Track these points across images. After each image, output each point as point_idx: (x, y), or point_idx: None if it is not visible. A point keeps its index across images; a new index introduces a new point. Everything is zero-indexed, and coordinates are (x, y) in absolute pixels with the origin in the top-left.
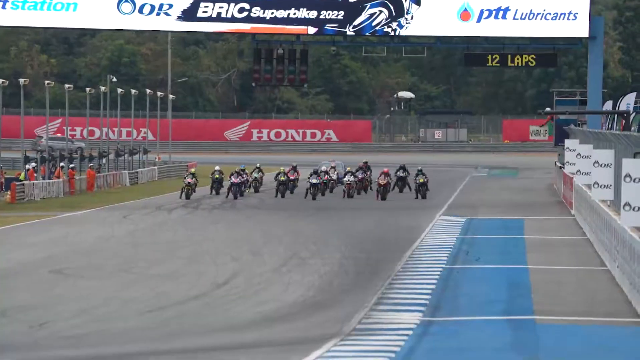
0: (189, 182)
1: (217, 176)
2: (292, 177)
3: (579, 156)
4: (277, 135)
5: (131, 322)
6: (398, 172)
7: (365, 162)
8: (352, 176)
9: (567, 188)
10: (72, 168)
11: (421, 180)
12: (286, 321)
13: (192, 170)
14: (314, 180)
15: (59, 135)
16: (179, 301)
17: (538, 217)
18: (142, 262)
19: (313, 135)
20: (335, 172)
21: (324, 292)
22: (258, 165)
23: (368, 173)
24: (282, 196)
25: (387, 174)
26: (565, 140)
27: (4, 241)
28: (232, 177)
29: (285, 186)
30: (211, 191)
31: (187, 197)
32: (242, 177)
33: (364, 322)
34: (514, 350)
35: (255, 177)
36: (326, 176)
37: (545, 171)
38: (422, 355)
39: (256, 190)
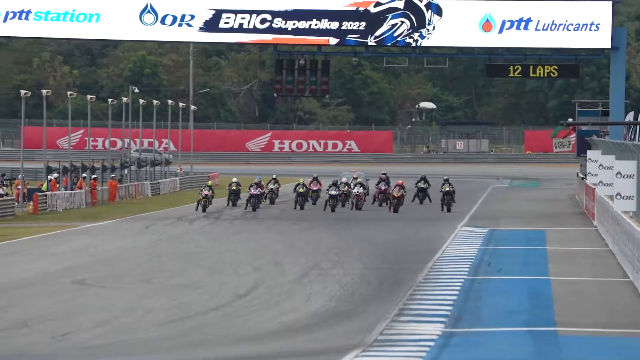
0: (205, 195)
1: (234, 187)
2: (315, 188)
3: (601, 167)
4: (299, 146)
5: (152, 332)
6: (419, 184)
7: (384, 174)
8: (362, 187)
9: (589, 199)
10: (95, 179)
11: (447, 189)
12: (307, 332)
13: (209, 182)
14: (333, 192)
15: (146, 147)
16: (200, 311)
17: (560, 228)
18: (164, 272)
19: (334, 146)
20: (361, 185)
21: (346, 302)
22: (274, 176)
23: (384, 185)
24: (302, 208)
25: (401, 186)
26: (588, 152)
27: (27, 251)
28: (250, 188)
29: (304, 198)
30: (228, 203)
31: (204, 210)
32: (261, 189)
33: (385, 333)
34: None
35: (271, 189)
36: (346, 187)
37: (567, 182)
38: None
39: (272, 202)
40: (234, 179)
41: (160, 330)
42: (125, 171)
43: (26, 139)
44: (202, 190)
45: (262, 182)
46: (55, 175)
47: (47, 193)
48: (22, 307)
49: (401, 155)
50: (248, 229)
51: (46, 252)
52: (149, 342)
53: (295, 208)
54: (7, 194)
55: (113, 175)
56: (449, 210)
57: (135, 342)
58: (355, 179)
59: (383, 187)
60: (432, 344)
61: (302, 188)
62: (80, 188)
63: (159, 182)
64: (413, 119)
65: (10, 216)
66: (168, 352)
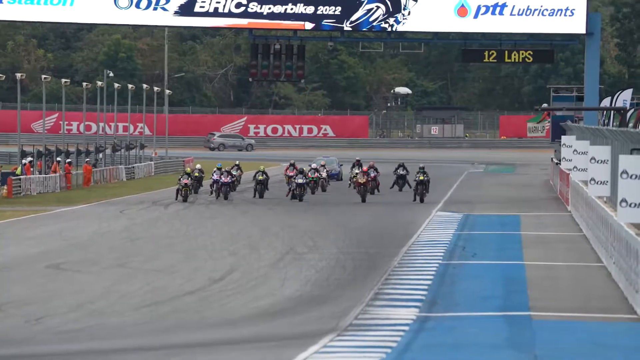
0: (185, 184)
1: (196, 174)
2: (291, 174)
3: (575, 152)
4: (274, 130)
5: (127, 316)
6: (398, 170)
7: (358, 160)
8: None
9: (564, 184)
10: (69, 163)
11: (421, 178)
12: (283, 316)
13: (188, 169)
14: (300, 180)
15: (231, 132)
16: (175, 296)
17: (534, 213)
18: (139, 256)
19: (310, 130)
20: (325, 170)
21: (321, 287)
22: (237, 162)
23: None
24: (261, 196)
25: (366, 173)
26: (562, 137)
27: (0, 236)
28: (214, 174)
29: (264, 186)
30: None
31: (185, 200)
32: (232, 176)
33: (360, 318)
34: (510, 347)
35: (234, 175)
36: (316, 174)
37: (542, 167)
38: (419, 351)
39: (233, 189)
40: (198, 166)
41: (135, 315)
42: (100, 155)
43: (0, 122)
44: (180, 179)
45: (224, 169)
46: (30, 159)
47: (21, 177)
48: None
49: (376, 140)
50: (223, 214)
51: (20, 236)
52: (124, 326)
53: (254, 196)
54: None
55: (87, 159)
56: (421, 200)
57: (110, 326)
58: (323, 165)
59: (372, 174)
60: (406, 328)
61: (262, 175)
62: (55, 172)
63: (133, 167)
64: (388, 104)
65: None
66: (143, 336)
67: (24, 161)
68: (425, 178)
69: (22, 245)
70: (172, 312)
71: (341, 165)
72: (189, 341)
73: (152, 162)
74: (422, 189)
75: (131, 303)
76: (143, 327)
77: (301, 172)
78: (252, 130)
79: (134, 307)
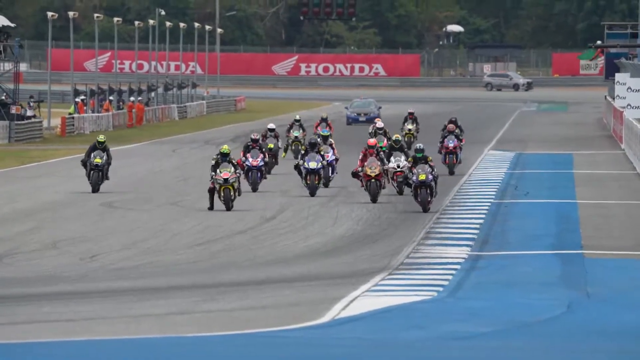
0: (224, 179)
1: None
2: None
3: (629, 90)
4: (325, 69)
5: (180, 254)
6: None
7: (411, 113)
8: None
9: (617, 122)
10: (140, 101)
11: (421, 178)
12: (334, 255)
13: (224, 148)
14: (312, 165)
15: (500, 72)
16: (227, 235)
17: (587, 151)
18: (191, 195)
19: (361, 69)
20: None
21: (372, 226)
22: (297, 117)
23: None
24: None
25: (379, 156)
26: (616, 74)
27: (55, 174)
28: (247, 155)
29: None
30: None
31: (227, 207)
32: (264, 155)
33: (412, 256)
34: (563, 284)
35: (296, 137)
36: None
37: (595, 105)
38: (470, 289)
39: (268, 171)
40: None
41: (187, 253)
42: (152, 94)
43: (53, 61)
44: (216, 173)
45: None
46: (82, 97)
47: (74, 115)
48: (50, 229)
49: (428, 79)
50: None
51: (74, 175)
52: (177, 264)
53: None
54: (35, 116)
55: (140, 98)
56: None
57: (163, 264)
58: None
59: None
60: (458, 267)
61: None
62: (107, 111)
63: (185, 106)
64: (440, 43)
65: (38, 138)
66: (196, 274)
67: (77, 100)
68: (428, 177)
69: (76, 183)
70: (224, 251)
71: (379, 107)
72: (241, 279)
73: (204, 101)
74: (424, 194)
75: (184, 241)
76: (195, 265)
77: (313, 145)
78: (303, 70)
79: (187, 245)
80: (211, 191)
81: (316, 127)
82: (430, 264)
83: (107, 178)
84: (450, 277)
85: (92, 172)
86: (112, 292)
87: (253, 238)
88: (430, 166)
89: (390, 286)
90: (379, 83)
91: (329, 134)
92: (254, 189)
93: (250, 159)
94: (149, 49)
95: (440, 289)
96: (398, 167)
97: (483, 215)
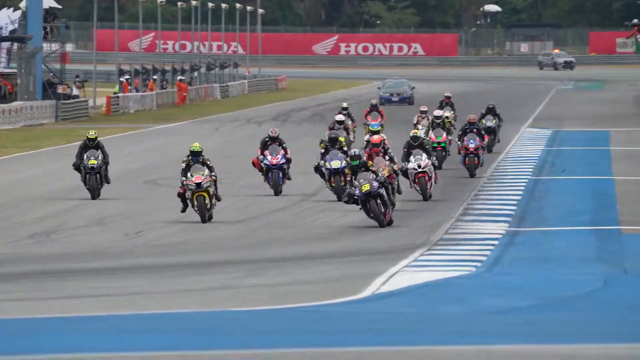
0: (197, 184)
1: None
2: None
3: None
4: (365, 49)
5: (222, 231)
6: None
7: (448, 97)
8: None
9: None
10: (183, 81)
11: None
12: (374, 231)
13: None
14: (335, 164)
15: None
16: (268, 211)
17: (624, 128)
18: (233, 173)
19: (400, 49)
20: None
21: (411, 202)
22: (345, 105)
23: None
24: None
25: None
26: None
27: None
28: (266, 153)
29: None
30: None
31: (204, 219)
32: (285, 152)
33: (450, 232)
34: (599, 260)
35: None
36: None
37: (631, 83)
38: (508, 265)
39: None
40: (338, 116)
41: (229, 229)
42: (195, 74)
43: (98, 41)
44: (189, 178)
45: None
46: (127, 77)
47: (119, 95)
48: (97, 206)
49: (466, 58)
50: (316, 131)
51: (119, 153)
52: (219, 240)
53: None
54: (80, 96)
55: (183, 77)
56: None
57: (205, 241)
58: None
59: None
60: (496, 242)
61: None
62: (151, 90)
63: (227, 85)
64: (478, 22)
65: (84, 117)
66: (237, 250)
67: (121, 79)
68: (373, 186)
69: (121, 161)
70: (265, 227)
71: (413, 88)
72: (282, 255)
73: (246, 81)
74: (374, 205)
75: (225, 218)
76: (237, 242)
77: (333, 141)
78: (342, 49)
79: (228, 222)
80: (181, 195)
81: (365, 115)
82: (469, 240)
83: (107, 181)
84: (488, 252)
85: (88, 175)
86: (156, 268)
87: (293, 215)
88: (373, 171)
89: (429, 262)
90: (418, 62)
91: (378, 128)
92: (277, 192)
93: (269, 157)
94: (191, 30)
95: (479, 264)
96: (419, 167)
97: (520, 192)
